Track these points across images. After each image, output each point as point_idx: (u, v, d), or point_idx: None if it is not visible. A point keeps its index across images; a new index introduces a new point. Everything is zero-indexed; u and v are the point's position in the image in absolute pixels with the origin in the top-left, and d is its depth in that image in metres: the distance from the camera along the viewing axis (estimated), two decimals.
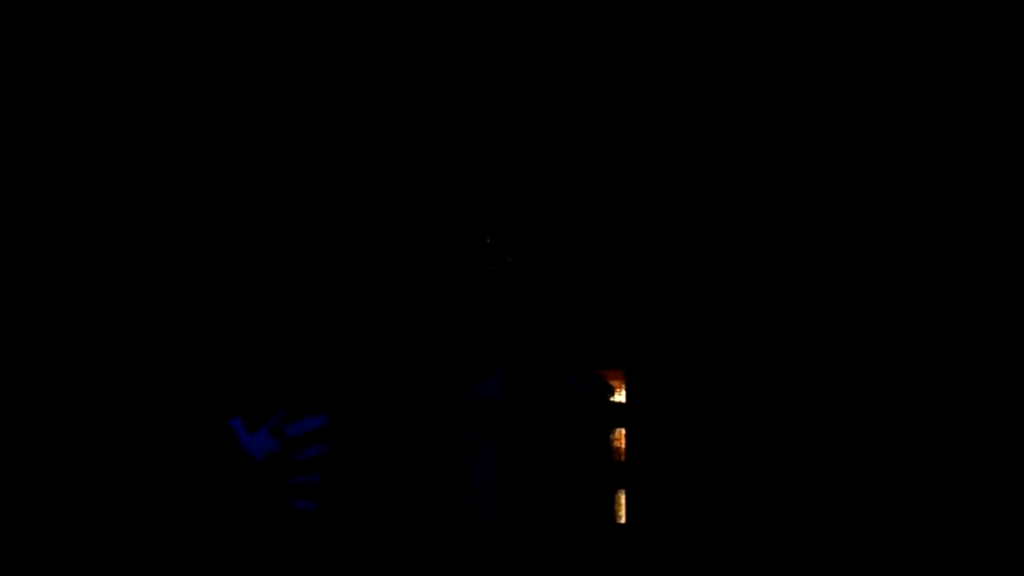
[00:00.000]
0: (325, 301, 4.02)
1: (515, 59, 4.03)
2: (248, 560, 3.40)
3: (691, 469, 3.74)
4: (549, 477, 3.60)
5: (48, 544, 3.76)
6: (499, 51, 4.04)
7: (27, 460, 3.86)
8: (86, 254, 4.05)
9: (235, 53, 4.10)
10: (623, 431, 3.81)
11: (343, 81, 4.12)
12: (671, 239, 3.84)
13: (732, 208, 3.80)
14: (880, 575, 3.48)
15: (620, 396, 3.82)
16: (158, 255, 4.07)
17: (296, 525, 3.45)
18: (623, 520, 3.79)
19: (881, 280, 3.62)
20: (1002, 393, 3.44)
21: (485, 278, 3.99)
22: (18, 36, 4.06)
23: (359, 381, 3.91)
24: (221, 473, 3.47)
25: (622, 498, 3.80)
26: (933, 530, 3.46)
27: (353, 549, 3.67)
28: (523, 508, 3.60)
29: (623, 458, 3.81)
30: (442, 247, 4.02)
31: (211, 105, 4.11)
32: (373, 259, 4.06)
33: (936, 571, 3.43)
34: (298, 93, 4.13)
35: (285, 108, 4.14)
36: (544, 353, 3.68)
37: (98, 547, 3.74)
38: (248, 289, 4.05)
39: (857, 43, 3.62)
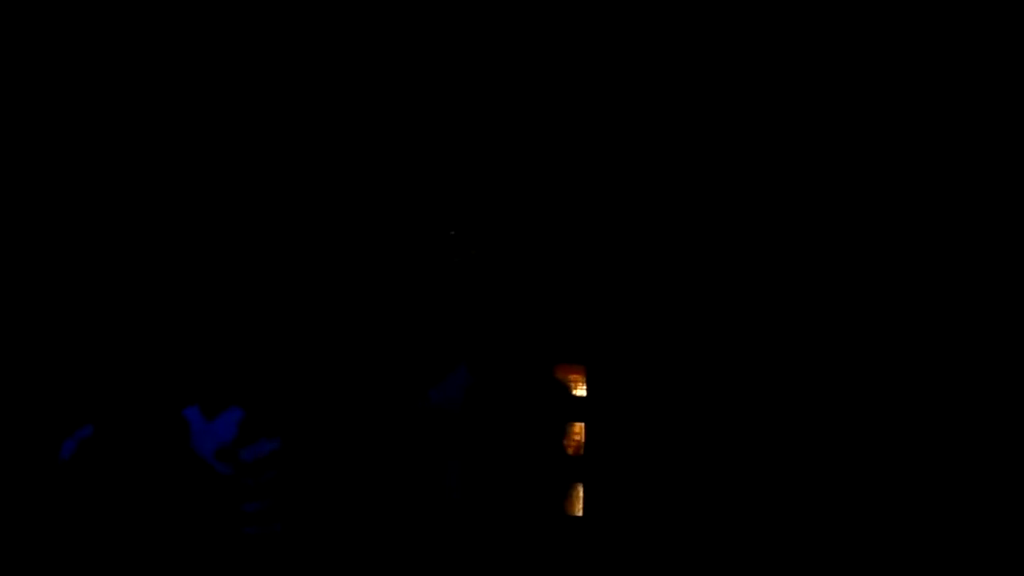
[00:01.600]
0: (284, 295, 3.93)
1: (478, 58, 4.01)
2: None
3: (650, 463, 3.80)
4: (512, 485, 3.60)
5: None
6: (462, 49, 4.01)
7: None
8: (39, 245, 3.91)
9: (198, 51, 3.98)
10: (583, 425, 3.85)
11: (305, 78, 4.03)
12: (632, 236, 3.89)
13: (690, 206, 3.87)
14: (839, 568, 3.61)
15: (581, 391, 3.86)
16: (115, 248, 3.93)
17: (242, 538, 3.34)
18: (580, 513, 3.83)
19: (840, 277, 3.74)
20: (968, 393, 3.60)
21: (447, 273, 3.96)
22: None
23: (315, 377, 3.84)
24: (140, 463, 3.32)
25: (580, 492, 3.84)
26: (886, 523, 3.60)
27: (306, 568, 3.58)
28: (483, 511, 3.60)
29: (582, 452, 3.84)
30: (403, 241, 3.97)
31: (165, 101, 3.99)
32: (332, 252, 3.99)
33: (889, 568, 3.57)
34: (258, 90, 4.03)
35: (241, 106, 4.03)
36: (511, 352, 3.69)
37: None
38: (204, 281, 3.93)
39: (834, 42, 3.72)
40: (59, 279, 3.98)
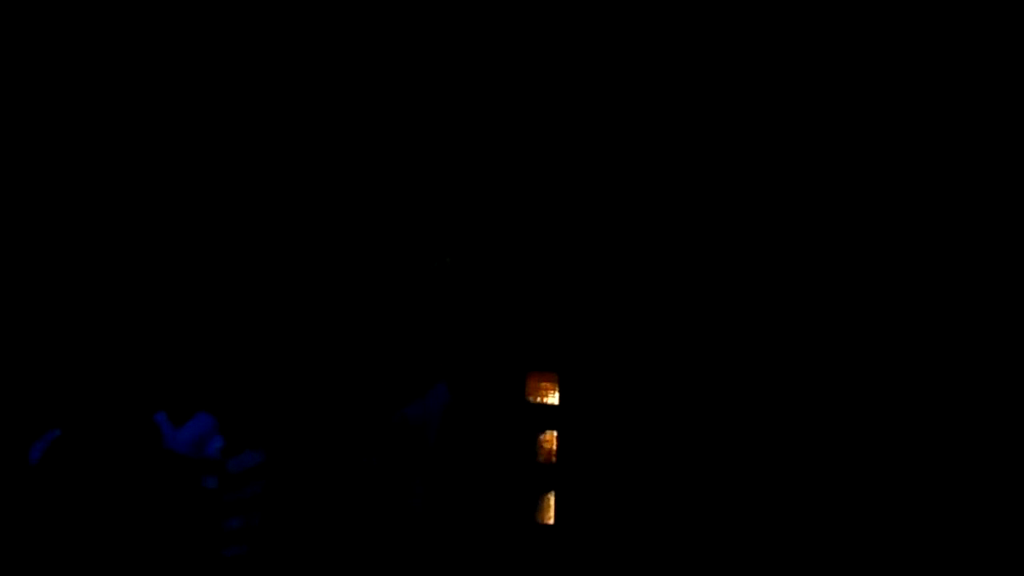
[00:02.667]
0: (261, 302, 3.92)
1: (452, 65, 4.03)
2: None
3: (622, 471, 3.81)
4: (484, 498, 3.59)
5: None
6: (436, 55, 4.04)
7: None
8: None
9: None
10: (555, 434, 3.85)
11: (272, 83, 4.04)
12: (604, 244, 3.91)
13: (662, 214, 3.89)
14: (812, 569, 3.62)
15: (553, 398, 3.87)
16: (84, 251, 3.91)
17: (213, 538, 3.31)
18: (552, 521, 3.83)
19: (811, 285, 3.77)
20: (928, 397, 3.63)
21: (423, 280, 3.96)
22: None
23: (291, 388, 3.83)
24: (110, 466, 3.29)
25: (552, 500, 3.84)
26: (859, 536, 3.62)
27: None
28: (453, 521, 3.60)
29: (554, 460, 3.85)
30: (381, 249, 3.98)
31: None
32: (310, 260, 3.98)
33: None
34: (218, 107, 4.03)
35: (207, 110, 4.03)
36: (485, 359, 3.69)
37: None
38: (176, 286, 3.92)
39: (810, 45, 3.76)
40: (27, 283, 3.95)
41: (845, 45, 3.72)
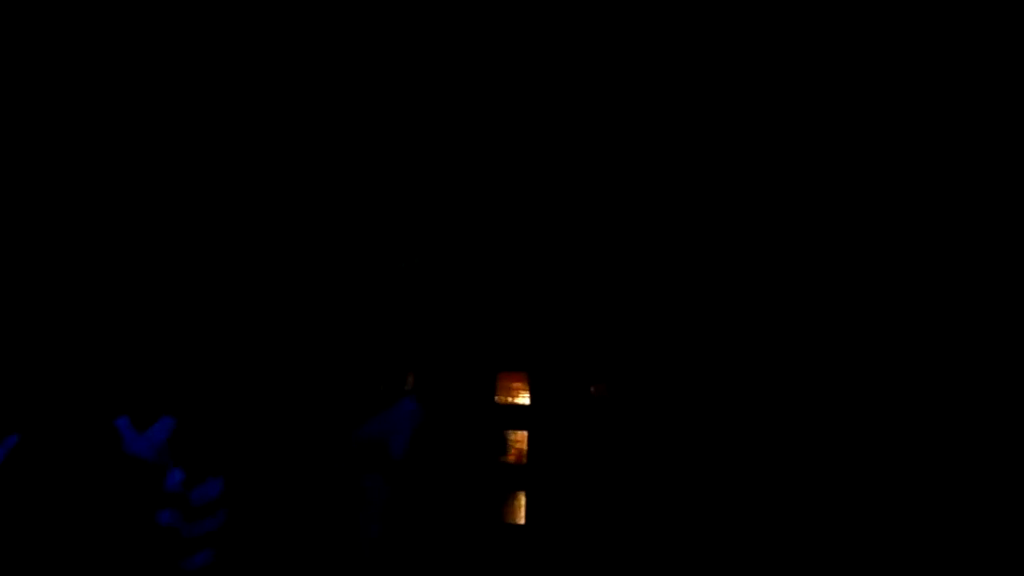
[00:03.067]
0: (226, 307, 3.83)
1: (420, 62, 3.99)
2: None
3: (592, 470, 3.80)
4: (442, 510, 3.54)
5: None
6: (405, 54, 3.99)
7: None
8: None
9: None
10: (526, 433, 3.83)
11: (236, 81, 3.96)
12: (573, 243, 3.90)
13: (631, 215, 3.90)
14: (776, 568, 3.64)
15: (524, 399, 3.84)
16: (46, 255, 3.79)
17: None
18: (523, 521, 3.80)
19: (777, 283, 3.80)
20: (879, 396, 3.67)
21: (391, 280, 3.91)
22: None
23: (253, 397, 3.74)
24: (69, 471, 3.20)
25: (522, 499, 3.82)
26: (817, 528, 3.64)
27: None
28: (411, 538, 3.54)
29: (525, 460, 3.82)
30: (350, 249, 3.91)
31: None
32: (278, 263, 3.90)
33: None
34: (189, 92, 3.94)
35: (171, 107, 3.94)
36: (455, 360, 3.65)
37: None
38: (138, 292, 3.81)
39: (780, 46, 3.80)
40: None
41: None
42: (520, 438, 3.84)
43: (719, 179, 3.89)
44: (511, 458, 3.82)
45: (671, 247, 3.89)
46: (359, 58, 3.98)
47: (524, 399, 3.86)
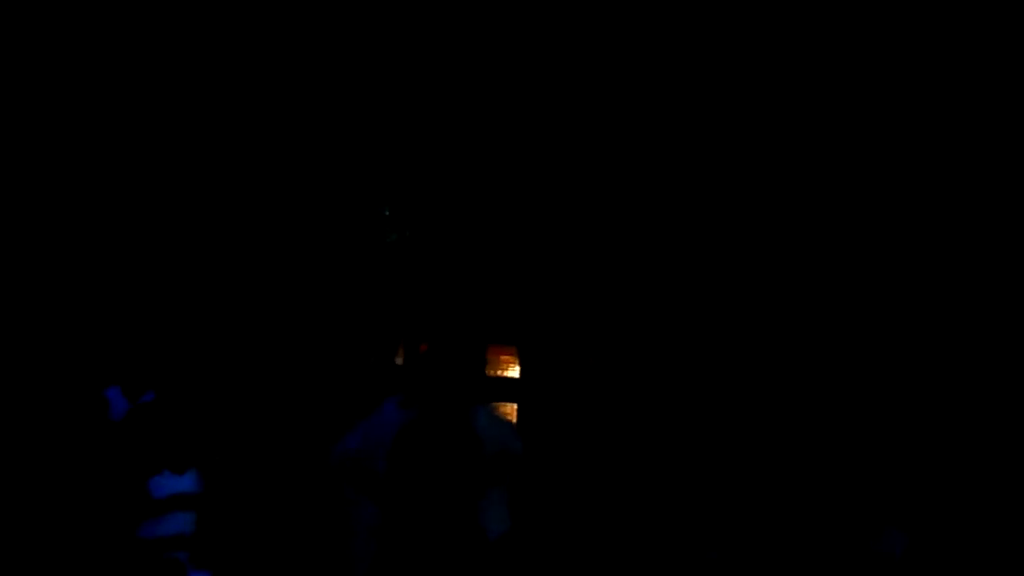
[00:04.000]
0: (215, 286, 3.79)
1: (408, 47, 3.99)
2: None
3: (581, 444, 3.81)
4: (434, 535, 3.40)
5: None
6: (389, 33, 3.99)
7: None
8: None
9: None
10: (515, 407, 3.85)
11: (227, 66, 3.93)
12: (564, 219, 3.92)
13: (621, 195, 3.92)
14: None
15: (514, 371, 3.86)
16: (37, 235, 3.76)
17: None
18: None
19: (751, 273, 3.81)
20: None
21: (381, 254, 3.91)
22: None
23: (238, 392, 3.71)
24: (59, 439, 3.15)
25: None
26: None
27: None
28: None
29: None
30: (338, 222, 3.90)
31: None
32: (264, 244, 3.86)
33: None
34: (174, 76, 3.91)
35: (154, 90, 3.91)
36: (445, 334, 3.63)
37: None
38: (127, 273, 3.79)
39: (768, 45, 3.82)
40: None
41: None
42: (510, 411, 3.86)
43: (706, 159, 3.92)
44: None
45: (659, 227, 3.92)
46: (350, 40, 3.97)
47: (514, 372, 3.88)
